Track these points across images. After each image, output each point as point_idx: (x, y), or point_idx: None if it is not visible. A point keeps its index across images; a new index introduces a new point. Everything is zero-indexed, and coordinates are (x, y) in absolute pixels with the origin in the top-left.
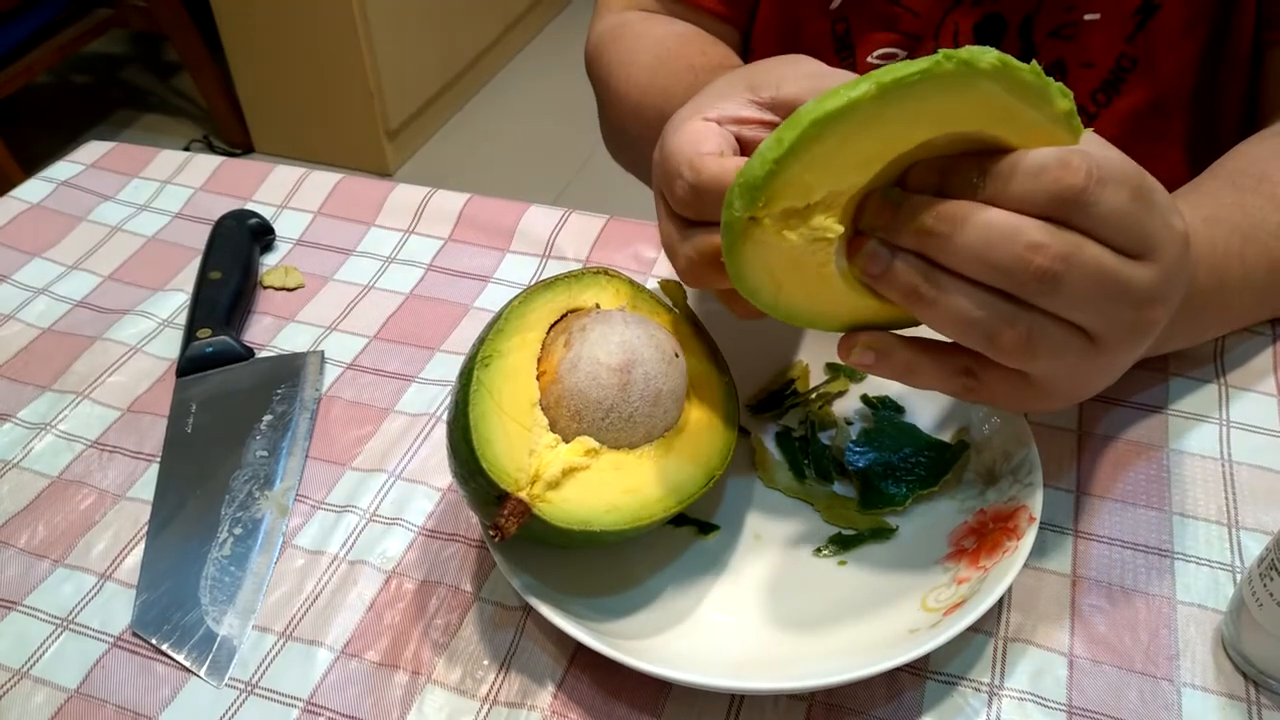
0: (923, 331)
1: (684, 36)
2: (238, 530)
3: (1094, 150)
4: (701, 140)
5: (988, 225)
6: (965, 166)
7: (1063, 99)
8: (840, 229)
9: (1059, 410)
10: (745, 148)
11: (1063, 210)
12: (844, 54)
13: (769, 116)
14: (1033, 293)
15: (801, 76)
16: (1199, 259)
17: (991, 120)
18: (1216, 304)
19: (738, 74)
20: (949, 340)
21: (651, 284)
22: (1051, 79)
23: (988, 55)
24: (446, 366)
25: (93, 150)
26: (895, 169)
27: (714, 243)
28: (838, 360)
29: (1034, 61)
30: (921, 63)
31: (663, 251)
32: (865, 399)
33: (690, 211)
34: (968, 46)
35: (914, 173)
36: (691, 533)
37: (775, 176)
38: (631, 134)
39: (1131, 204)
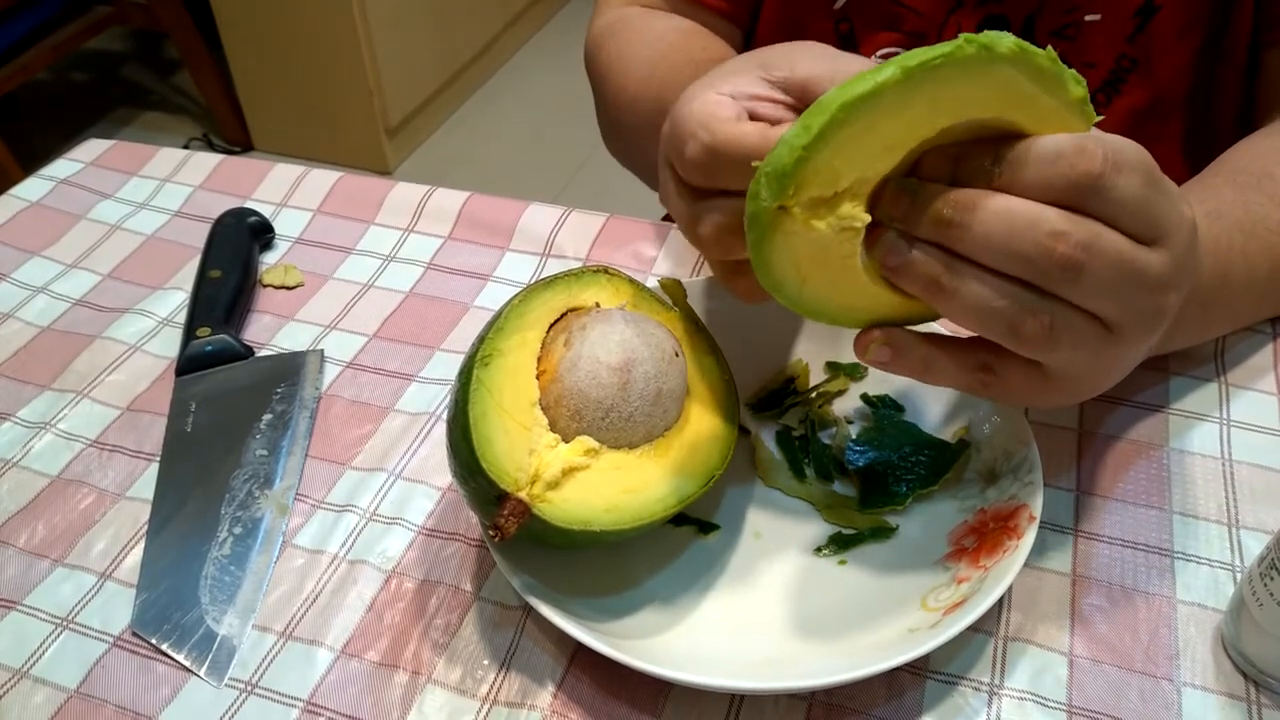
0: (937, 328)
1: (685, 32)
2: (237, 530)
3: (1107, 135)
4: (717, 108)
5: (1009, 213)
6: (979, 153)
7: (1076, 86)
8: (868, 217)
9: (1070, 406)
10: None
11: (1079, 196)
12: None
13: (782, 96)
14: (1055, 281)
15: (816, 58)
16: (1203, 255)
17: (1010, 105)
18: (1221, 301)
19: (749, 55)
20: (964, 336)
21: (651, 283)
22: (1065, 66)
23: (1005, 40)
24: (446, 365)
25: (92, 148)
26: (912, 158)
27: (736, 209)
28: (837, 359)
29: (1049, 48)
30: (944, 46)
31: (663, 250)
32: (865, 398)
33: (701, 175)
34: (986, 31)
35: (927, 161)
36: (691, 532)
37: (804, 164)
38: (627, 126)
39: (1145, 190)
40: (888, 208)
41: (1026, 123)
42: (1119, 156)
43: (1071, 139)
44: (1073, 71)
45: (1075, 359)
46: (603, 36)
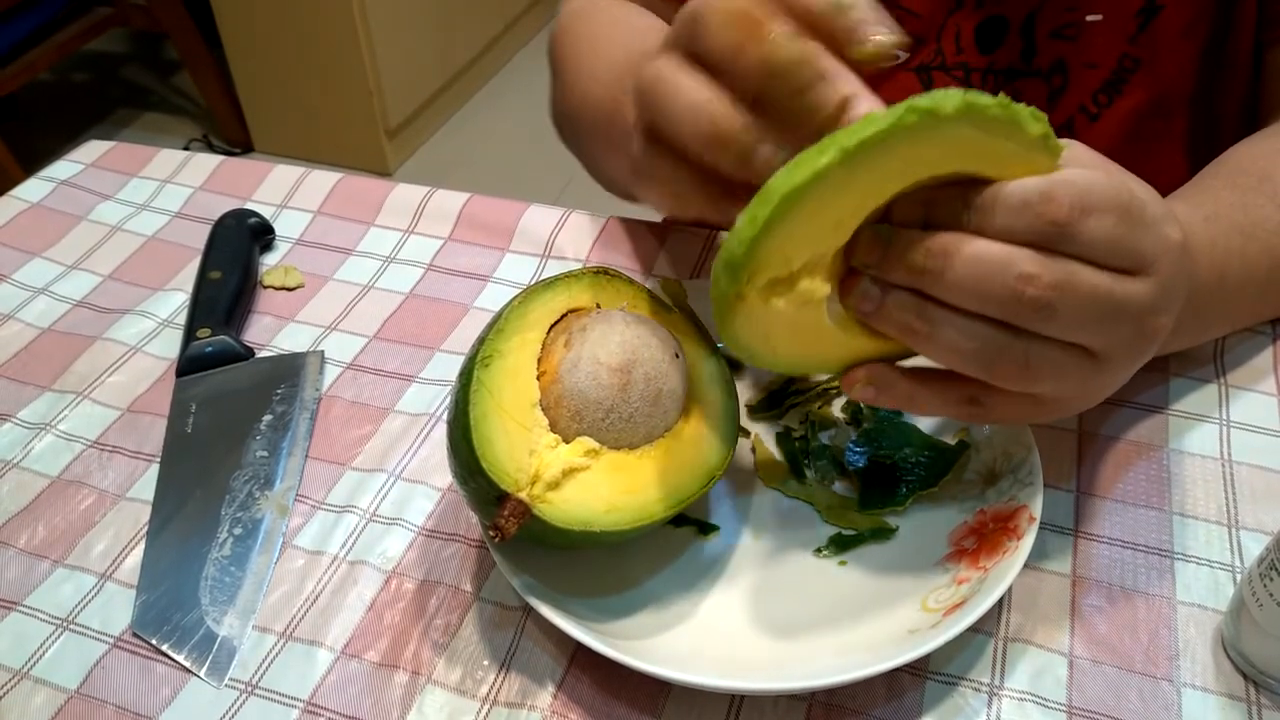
0: (923, 361)
1: (654, 29)
2: (238, 530)
3: (1076, 176)
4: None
5: (978, 259)
6: (949, 198)
7: (1035, 123)
8: (827, 289)
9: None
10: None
11: (1049, 242)
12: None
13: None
14: (1028, 321)
15: None
16: (1199, 256)
17: (964, 159)
18: (1218, 302)
19: None
20: (946, 371)
21: (652, 284)
22: (1022, 106)
23: (951, 99)
24: (446, 366)
25: (92, 149)
26: (878, 214)
27: (681, 177)
28: None
29: (1000, 95)
30: (885, 119)
31: (663, 252)
32: None
33: (730, 32)
34: (931, 93)
35: (898, 207)
36: (691, 533)
37: (754, 253)
38: (583, 120)
39: (1118, 228)
40: (862, 255)
41: (987, 170)
42: (1087, 200)
43: (1038, 186)
44: (1030, 109)
45: (1062, 388)
46: (568, 22)
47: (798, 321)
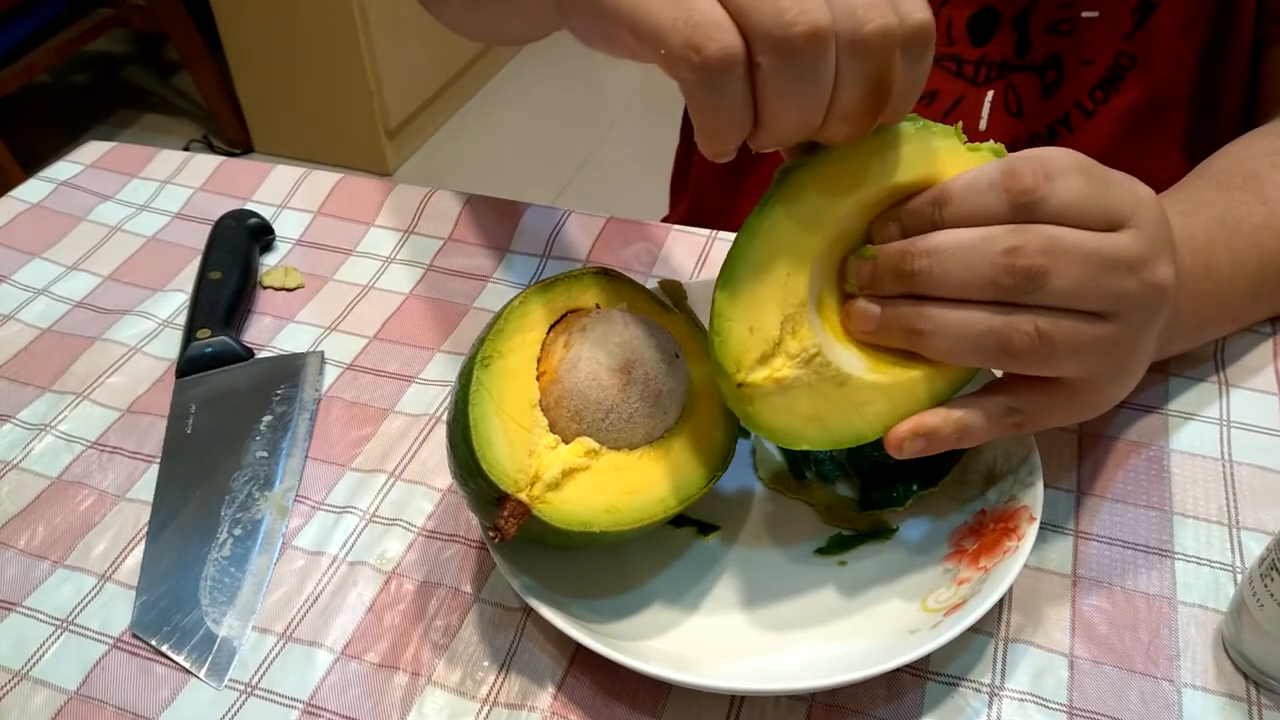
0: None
1: None
2: (237, 531)
3: (1031, 151)
4: None
5: (960, 246)
6: (917, 207)
7: (910, 125)
8: (817, 341)
9: (1108, 408)
10: None
11: (1024, 214)
12: None
13: None
14: (1025, 294)
15: None
16: (1180, 249)
17: (866, 182)
18: (1210, 295)
19: None
20: (978, 390)
21: (652, 284)
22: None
23: (798, 161)
24: (446, 367)
25: (92, 150)
26: (846, 244)
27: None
28: None
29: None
30: (766, 196)
31: (663, 252)
32: None
33: None
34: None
35: (875, 230)
36: (691, 533)
37: (725, 345)
38: None
39: (1087, 185)
40: (853, 279)
41: (900, 178)
42: (1049, 166)
43: (998, 165)
44: (914, 117)
45: (1086, 362)
46: None
47: (816, 383)
